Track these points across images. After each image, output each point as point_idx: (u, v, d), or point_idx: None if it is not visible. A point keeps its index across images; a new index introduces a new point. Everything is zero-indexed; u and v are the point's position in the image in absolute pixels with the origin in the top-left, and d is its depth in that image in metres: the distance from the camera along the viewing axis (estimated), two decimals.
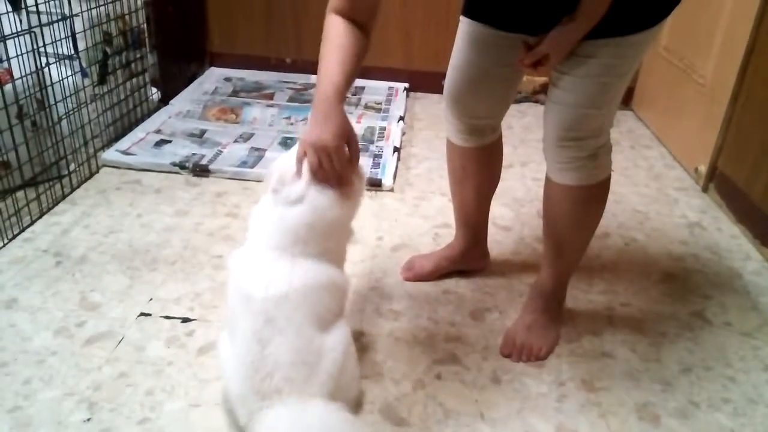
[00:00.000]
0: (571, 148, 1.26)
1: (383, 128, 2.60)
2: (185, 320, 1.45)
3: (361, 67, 1.20)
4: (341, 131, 1.11)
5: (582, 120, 1.23)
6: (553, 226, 1.42)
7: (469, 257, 1.68)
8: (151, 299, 1.51)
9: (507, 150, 2.54)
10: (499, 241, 1.86)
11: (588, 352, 1.44)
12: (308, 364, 1.06)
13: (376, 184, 2.12)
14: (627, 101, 3.08)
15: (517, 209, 2.06)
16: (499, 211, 2.02)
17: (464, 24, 1.36)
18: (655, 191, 2.25)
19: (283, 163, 1.16)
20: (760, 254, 1.86)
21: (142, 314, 1.46)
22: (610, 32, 1.14)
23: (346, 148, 1.13)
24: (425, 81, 3.10)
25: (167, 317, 1.45)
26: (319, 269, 1.12)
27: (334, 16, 1.22)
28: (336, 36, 1.19)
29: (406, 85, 3.07)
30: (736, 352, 1.46)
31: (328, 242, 1.14)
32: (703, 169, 2.26)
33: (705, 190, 2.25)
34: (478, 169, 1.55)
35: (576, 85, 1.20)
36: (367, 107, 2.83)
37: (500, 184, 2.23)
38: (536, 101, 3.09)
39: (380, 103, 2.88)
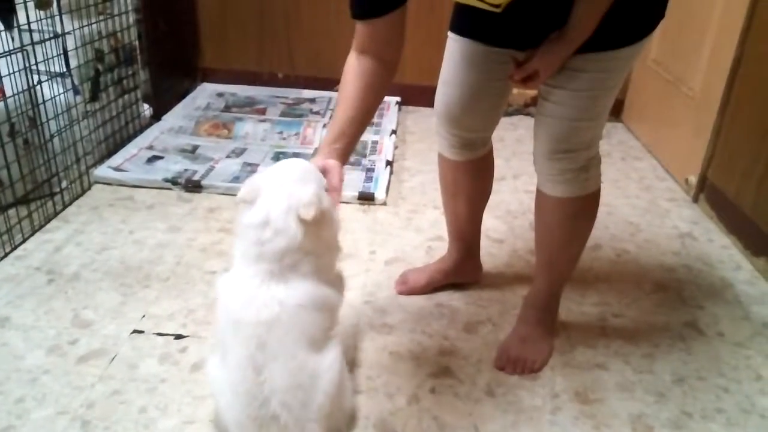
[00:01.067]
0: (563, 160, 1.27)
1: (375, 142, 2.61)
2: (178, 337, 1.44)
3: (379, 102, 1.25)
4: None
5: (573, 133, 1.24)
6: (545, 238, 1.43)
7: (463, 270, 1.68)
8: (144, 316, 1.51)
9: (499, 163, 2.55)
10: (492, 253, 1.87)
11: (581, 364, 1.44)
12: (304, 388, 1.06)
13: (368, 198, 2.13)
14: (617, 113, 3.11)
15: (509, 222, 2.07)
16: (491, 223, 2.03)
17: (452, 40, 1.37)
18: (647, 202, 2.27)
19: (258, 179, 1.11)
20: (750, 264, 1.87)
21: (135, 331, 1.46)
22: (600, 46, 1.15)
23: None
24: (417, 95, 3.12)
25: (160, 334, 1.45)
26: (309, 289, 1.08)
27: (352, 56, 1.23)
28: (346, 82, 1.22)
29: (398, 99, 3.09)
30: (728, 362, 1.47)
31: (311, 263, 1.08)
32: (693, 179, 2.28)
33: (695, 200, 2.27)
34: (470, 182, 1.56)
35: (567, 99, 1.22)
36: None
37: (493, 197, 2.24)
38: (527, 114, 3.12)
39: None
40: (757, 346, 1.53)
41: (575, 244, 1.43)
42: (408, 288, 1.65)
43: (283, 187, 1.05)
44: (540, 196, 1.38)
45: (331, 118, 2.81)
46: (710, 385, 1.40)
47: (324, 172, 1.14)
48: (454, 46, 1.37)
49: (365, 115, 1.22)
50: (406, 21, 1.20)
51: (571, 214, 1.35)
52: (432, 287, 1.66)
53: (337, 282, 1.20)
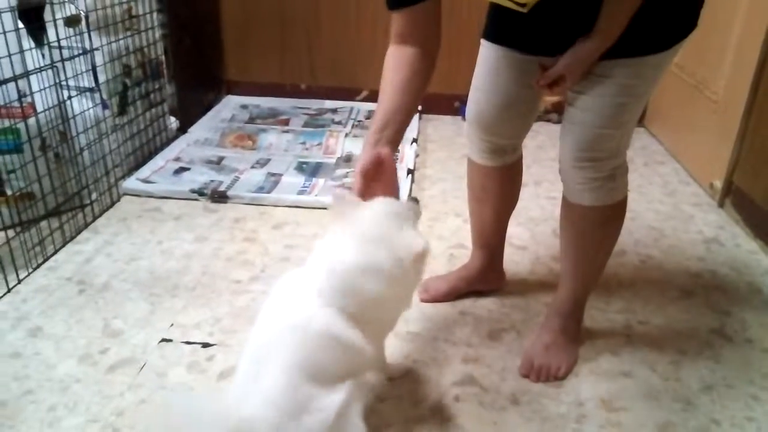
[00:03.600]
0: (588, 168, 1.27)
1: (396, 151, 2.62)
2: (205, 345, 1.47)
3: (424, 89, 1.26)
4: (362, 168, 1.16)
5: (598, 140, 1.23)
6: (571, 247, 1.42)
7: (486, 278, 1.68)
8: (172, 325, 1.54)
9: None
10: (515, 261, 1.87)
11: (607, 372, 1.43)
12: (285, 413, 0.99)
13: None
14: (640, 118, 3.07)
15: (532, 228, 2.06)
16: (514, 230, 2.03)
17: (485, 47, 1.39)
18: (671, 207, 2.25)
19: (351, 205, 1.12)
20: None
21: (164, 340, 1.48)
22: (627, 52, 1.15)
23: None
24: (437, 103, 3.13)
25: (188, 342, 1.48)
26: (344, 327, 1.04)
27: (392, 48, 1.24)
28: (388, 71, 1.24)
29: (419, 107, 3.10)
30: (758, 369, 1.45)
31: (370, 307, 1.06)
32: (718, 184, 2.25)
33: (721, 205, 2.24)
34: (498, 188, 1.56)
35: (592, 105, 1.21)
36: None
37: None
38: (548, 120, 3.11)
39: None
40: None
41: (601, 253, 1.42)
42: (430, 296, 1.66)
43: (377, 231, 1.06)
44: (566, 204, 1.37)
45: (353, 126, 2.86)
46: (739, 392, 1.38)
47: (377, 164, 1.16)
48: (486, 53, 1.39)
49: (411, 103, 1.22)
50: (441, 9, 1.21)
51: (597, 222, 1.35)
52: (454, 295, 1.66)
53: (381, 336, 1.18)
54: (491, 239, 1.64)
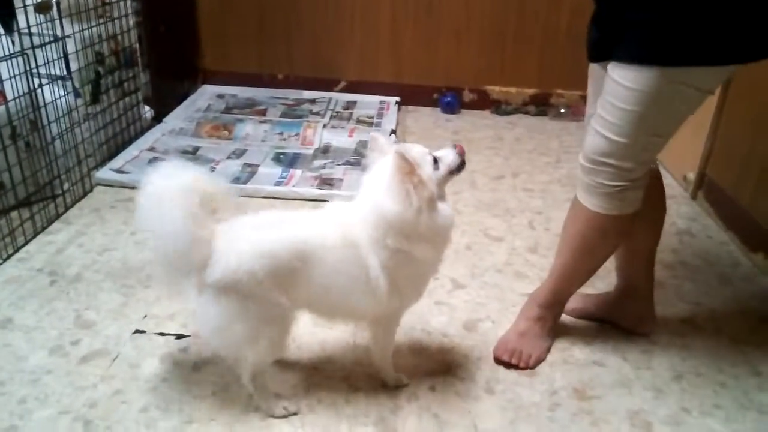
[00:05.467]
0: (599, 173, 1.26)
1: None
2: (179, 337, 1.46)
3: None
4: None
5: (611, 147, 1.21)
6: (566, 244, 1.41)
7: (624, 313, 1.55)
8: (145, 316, 1.52)
9: (498, 161, 2.58)
10: (491, 252, 1.88)
11: (579, 361, 1.45)
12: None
13: None
14: None
15: (508, 220, 2.08)
16: (490, 222, 2.04)
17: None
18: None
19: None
20: (748, 260, 1.88)
21: (137, 331, 1.47)
22: (648, 58, 1.12)
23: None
24: (417, 95, 3.13)
25: (161, 334, 1.46)
26: (373, 253, 1.14)
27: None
28: None
29: (398, 98, 3.10)
30: (726, 358, 1.48)
31: (395, 240, 1.14)
32: (691, 176, 2.28)
33: (694, 197, 2.27)
34: (647, 212, 1.40)
35: (608, 110, 1.20)
36: (359, 121, 2.85)
37: (491, 195, 2.26)
38: (526, 113, 3.13)
39: (372, 117, 2.90)
40: (754, 342, 1.53)
41: (594, 259, 1.41)
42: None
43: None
44: (574, 201, 1.36)
45: (331, 117, 2.84)
46: (708, 381, 1.40)
47: None
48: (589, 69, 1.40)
49: None
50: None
51: (597, 229, 1.33)
52: (581, 315, 1.59)
53: (402, 291, 1.21)
54: (628, 272, 1.52)
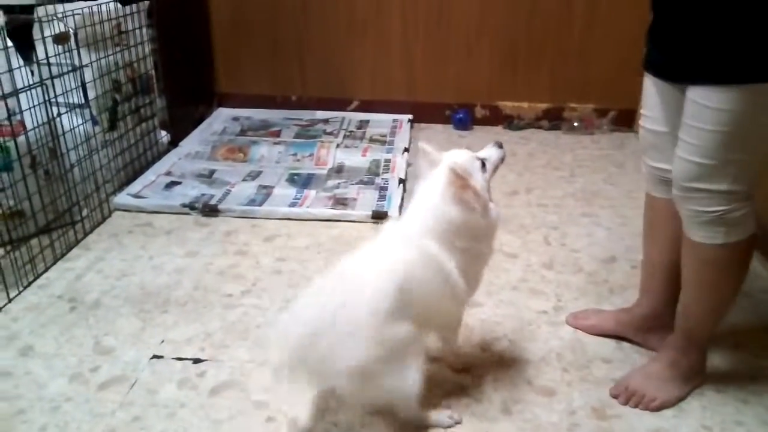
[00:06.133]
0: (693, 200, 1.20)
1: (388, 161, 2.63)
2: (196, 361, 1.47)
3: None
4: None
5: (701, 172, 1.16)
6: (684, 281, 1.34)
7: (644, 329, 1.52)
8: (162, 341, 1.54)
9: (511, 177, 2.58)
10: (505, 269, 1.87)
11: (598, 379, 1.43)
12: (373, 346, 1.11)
13: (382, 216, 2.14)
14: (630, 123, 3.10)
15: (523, 236, 2.07)
16: (505, 238, 2.04)
17: (645, 75, 1.37)
18: None
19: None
20: None
21: (155, 356, 1.48)
22: (725, 78, 1.09)
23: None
24: (429, 112, 3.15)
25: (179, 359, 1.47)
26: (442, 255, 1.19)
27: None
28: None
29: (410, 116, 3.11)
30: (747, 374, 1.45)
31: (456, 240, 1.20)
32: None
33: None
34: (665, 225, 1.41)
35: (693, 135, 1.16)
36: (372, 140, 2.87)
37: (505, 211, 2.25)
38: (539, 127, 3.12)
39: (385, 136, 2.92)
40: None
41: (713, 295, 1.31)
42: (575, 322, 1.61)
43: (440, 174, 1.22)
44: (683, 235, 1.29)
45: (344, 137, 2.86)
46: (729, 397, 1.38)
47: None
48: (646, 80, 1.36)
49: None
50: None
51: (709, 262, 1.26)
52: (600, 331, 1.57)
53: (470, 280, 1.26)
54: (655, 285, 1.49)
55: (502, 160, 1.33)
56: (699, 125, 1.14)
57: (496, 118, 3.15)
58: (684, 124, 1.18)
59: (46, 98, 1.92)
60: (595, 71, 3.04)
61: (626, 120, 3.09)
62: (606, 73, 3.03)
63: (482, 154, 1.30)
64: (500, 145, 1.33)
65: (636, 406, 1.35)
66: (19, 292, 1.72)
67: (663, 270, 1.46)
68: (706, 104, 1.12)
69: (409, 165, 2.61)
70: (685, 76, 1.18)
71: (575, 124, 3.08)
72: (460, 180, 1.18)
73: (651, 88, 1.33)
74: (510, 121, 3.14)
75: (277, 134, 2.93)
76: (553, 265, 1.90)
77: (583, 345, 1.54)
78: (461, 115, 3.10)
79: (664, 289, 1.47)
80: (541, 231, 2.11)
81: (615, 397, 1.38)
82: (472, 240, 1.22)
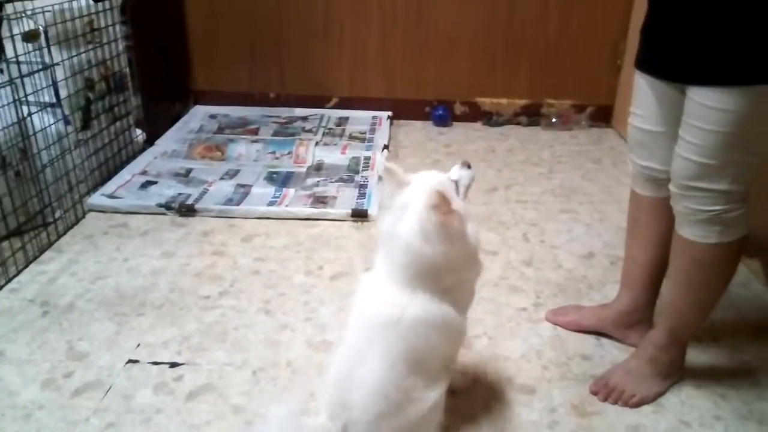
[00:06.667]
0: (691, 198, 1.20)
1: (368, 158, 2.62)
2: (173, 365, 1.44)
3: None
4: None
5: (701, 171, 1.16)
6: (671, 279, 1.35)
7: (622, 325, 1.53)
8: (138, 345, 1.51)
9: (491, 173, 2.58)
10: (486, 266, 1.85)
11: (578, 376, 1.44)
12: (389, 401, 1.07)
13: (362, 215, 2.13)
14: (607, 119, 3.12)
15: (502, 233, 2.07)
16: (485, 235, 2.03)
17: (636, 72, 1.35)
18: None
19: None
20: (745, 266, 1.87)
21: (130, 361, 1.45)
22: (738, 78, 1.08)
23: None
24: (408, 109, 3.13)
25: (155, 363, 1.45)
26: (431, 306, 1.10)
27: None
28: None
29: (390, 113, 3.10)
30: (725, 369, 1.47)
31: (443, 280, 1.11)
32: None
33: None
34: (650, 222, 1.43)
35: (694, 134, 1.16)
36: (351, 137, 2.85)
37: (485, 208, 2.26)
38: (518, 123, 3.13)
39: (364, 133, 2.90)
40: (753, 351, 1.52)
41: (701, 294, 1.31)
42: (554, 319, 1.62)
43: (418, 200, 1.09)
44: (674, 233, 1.29)
45: (324, 134, 2.84)
46: (708, 392, 1.39)
47: None
48: (637, 78, 1.35)
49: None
50: None
51: (698, 260, 1.26)
52: (579, 327, 1.58)
53: (465, 306, 1.21)
54: (636, 282, 1.49)
55: (472, 180, 1.22)
56: (701, 125, 1.14)
57: (475, 114, 3.15)
58: (685, 123, 1.17)
59: (16, 97, 1.87)
60: (572, 68, 3.04)
61: (603, 116, 3.11)
62: (583, 69, 3.04)
63: (453, 176, 1.19)
64: (468, 166, 1.21)
65: (615, 403, 1.36)
66: None
67: (645, 267, 1.47)
68: (708, 104, 1.11)
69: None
70: (686, 76, 1.16)
71: (553, 120, 3.09)
72: (445, 205, 1.05)
73: (644, 87, 1.32)
74: (489, 118, 3.15)
75: (256, 132, 2.90)
76: (532, 261, 1.90)
77: (562, 342, 1.55)
78: (440, 112, 3.09)
79: (646, 285, 1.48)
80: (520, 228, 2.11)
81: (595, 393, 1.38)
82: (459, 272, 1.14)
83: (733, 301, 1.71)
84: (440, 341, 1.12)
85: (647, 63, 1.29)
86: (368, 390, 1.06)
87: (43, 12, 2.02)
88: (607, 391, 1.37)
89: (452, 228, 1.07)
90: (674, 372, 1.40)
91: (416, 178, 1.14)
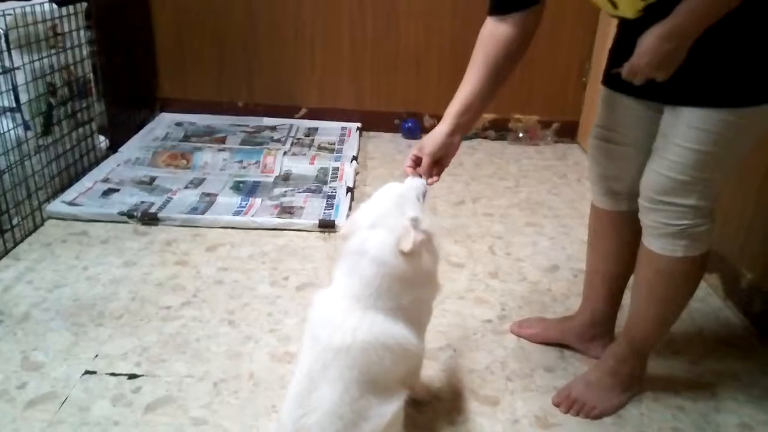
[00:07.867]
0: (660, 211, 1.20)
1: (336, 169, 2.61)
2: (132, 376, 1.41)
3: (511, 75, 1.27)
4: (434, 149, 1.24)
5: (672, 186, 1.17)
6: (634, 292, 1.35)
7: (583, 337, 1.54)
8: (96, 356, 1.47)
9: (458, 187, 2.59)
10: (452, 278, 1.87)
11: (541, 388, 1.45)
12: (345, 421, 1.03)
13: (329, 226, 2.12)
14: (573, 135, 3.17)
15: (469, 246, 2.08)
16: (451, 248, 2.04)
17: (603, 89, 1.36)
18: None
19: (358, 212, 1.15)
20: (704, 281, 1.91)
21: (87, 372, 1.42)
22: (724, 101, 1.09)
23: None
24: (378, 120, 3.14)
25: (113, 374, 1.41)
26: (387, 326, 1.07)
27: (490, 23, 1.24)
28: (482, 47, 1.24)
29: (359, 125, 3.10)
30: (684, 381, 1.49)
31: (402, 297, 1.09)
32: None
33: None
34: (610, 234, 1.44)
35: (668, 150, 1.16)
36: (320, 148, 2.84)
37: (452, 221, 2.27)
38: (486, 137, 3.16)
39: (333, 144, 2.90)
40: (710, 364, 1.55)
41: (663, 307, 1.32)
42: (518, 330, 1.62)
43: (380, 219, 1.10)
44: (640, 245, 1.30)
45: (292, 144, 2.83)
46: (666, 404, 1.41)
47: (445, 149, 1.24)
48: (602, 93, 1.35)
49: (496, 89, 1.23)
50: None
51: (662, 273, 1.26)
52: (542, 339, 1.59)
53: (422, 326, 1.19)
54: (598, 295, 1.50)
55: (426, 188, 1.23)
56: (680, 143, 1.14)
57: None
58: (664, 140, 1.18)
59: None
60: (539, 84, 3.09)
61: (569, 132, 3.16)
62: (549, 85, 3.09)
63: (414, 186, 1.21)
64: (420, 174, 1.24)
65: (577, 414, 1.37)
66: None
67: (605, 279, 1.49)
68: (690, 124, 1.12)
69: (357, 173, 2.60)
70: (671, 97, 1.16)
71: (520, 134, 3.13)
72: (424, 235, 1.08)
73: (613, 104, 1.32)
74: None
75: (223, 140, 2.87)
76: (498, 274, 1.92)
77: (526, 353, 1.56)
78: (410, 125, 3.11)
79: (606, 299, 1.50)
80: (486, 240, 2.12)
81: (557, 405, 1.39)
82: (419, 289, 1.13)
83: (692, 315, 1.75)
84: (393, 363, 1.08)
85: (620, 82, 1.26)
86: (323, 412, 1.03)
87: (4, 15, 1.97)
88: (569, 402, 1.38)
89: (419, 245, 1.07)
90: (634, 384, 1.42)
91: (380, 192, 1.17)
